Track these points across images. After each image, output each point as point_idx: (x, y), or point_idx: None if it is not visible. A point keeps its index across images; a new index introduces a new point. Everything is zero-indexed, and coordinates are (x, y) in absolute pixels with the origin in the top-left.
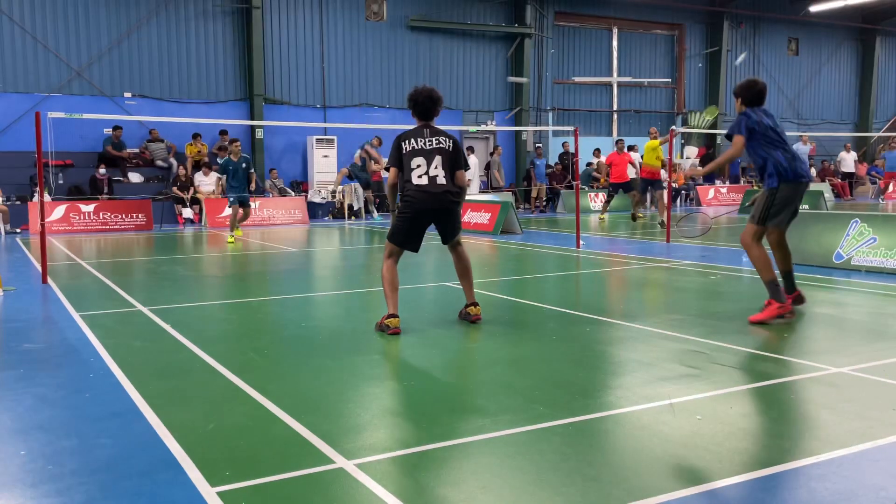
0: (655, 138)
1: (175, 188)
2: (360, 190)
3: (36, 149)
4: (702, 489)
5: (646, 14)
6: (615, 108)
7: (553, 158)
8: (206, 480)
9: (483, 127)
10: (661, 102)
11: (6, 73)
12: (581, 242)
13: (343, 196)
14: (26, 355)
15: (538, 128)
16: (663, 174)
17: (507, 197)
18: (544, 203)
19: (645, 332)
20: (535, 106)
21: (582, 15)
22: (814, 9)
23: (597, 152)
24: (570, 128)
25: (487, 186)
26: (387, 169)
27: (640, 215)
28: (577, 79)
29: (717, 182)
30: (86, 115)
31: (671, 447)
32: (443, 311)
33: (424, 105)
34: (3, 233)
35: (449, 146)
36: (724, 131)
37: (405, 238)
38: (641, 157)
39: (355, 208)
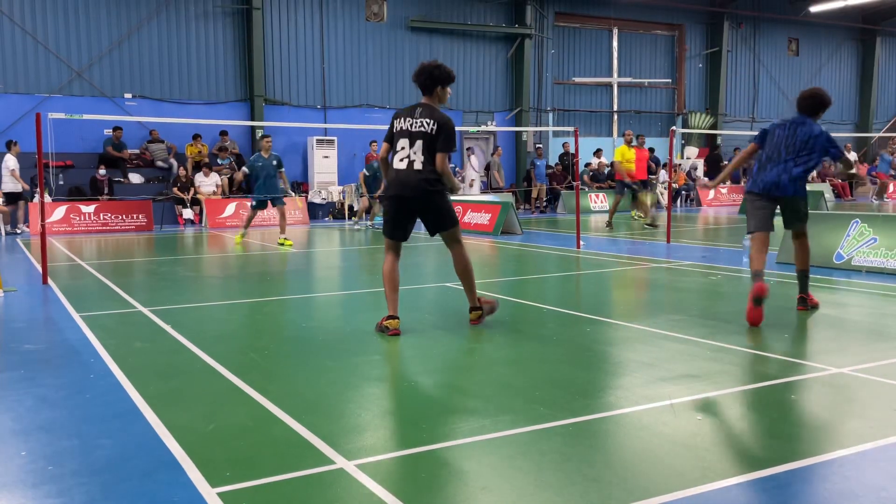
0: (630, 141)
1: (175, 189)
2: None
3: (36, 150)
4: (703, 490)
5: (646, 14)
6: (615, 108)
7: (553, 159)
8: (206, 481)
9: (483, 127)
10: (662, 103)
11: (7, 73)
12: (581, 243)
13: (343, 197)
14: (27, 356)
15: (538, 128)
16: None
17: (508, 197)
18: (544, 204)
19: (645, 333)
20: (535, 106)
21: (582, 15)
22: (814, 9)
23: (598, 153)
24: (571, 128)
25: (487, 187)
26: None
27: (639, 216)
28: (577, 79)
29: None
30: (86, 116)
31: (672, 447)
32: (443, 312)
33: (419, 78)
34: (3, 233)
35: (432, 129)
36: (724, 132)
37: (391, 226)
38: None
39: (355, 209)
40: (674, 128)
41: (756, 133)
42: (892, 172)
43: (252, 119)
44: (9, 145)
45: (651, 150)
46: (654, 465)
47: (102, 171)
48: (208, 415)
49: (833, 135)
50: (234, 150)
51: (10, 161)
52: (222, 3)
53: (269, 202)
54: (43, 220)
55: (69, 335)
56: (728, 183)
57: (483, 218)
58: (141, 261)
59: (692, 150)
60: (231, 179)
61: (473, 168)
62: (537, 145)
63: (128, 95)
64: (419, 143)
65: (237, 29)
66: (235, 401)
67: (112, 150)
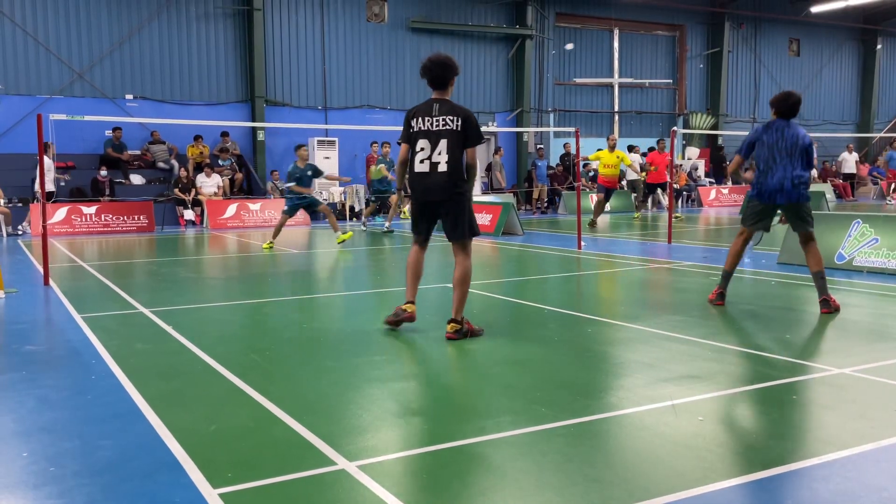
0: (613, 146)
1: (177, 190)
2: (362, 192)
3: (38, 151)
4: (704, 490)
5: (647, 15)
6: (616, 108)
7: (554, 160)
8: (207, 482)
9: (484, 128)
10: (663, 103)
11: (8, 75)
12: (582, 244)
13: (345, 198)
14: (28, 357)
15: (539, 129)
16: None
17: (509, 198)
18: (545, 204)
19: (646, 333)
20: (536, 107)
21: (583, 16)
22: (815, 9)
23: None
24: (572, 129)
25: (489, 188)
26: (399, 144)
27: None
28: (578, 80)
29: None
30: (87, 118)
31: (673, 448)
32: (444, 313)
33: (433, 72)
34: (5, 234)
35: (457, 125)
36: (725, 132)
37: (414, 223)
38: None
39: (357, 210)
40: (675, 128)
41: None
42: None
43: (253, 120)
44: (46, 147)
45: (651, 149)
46: (656, 465)
47: (104, 173)
48: (210, 416)
49: (833, 135)
50: (235, 150)
51: (46, 162)
52: (223, 5)
53: (300, 208)
54: (44, 221)
55: (70, 336)
56: (729, 183)
57: (484, 219)
58: (142, 262)
59: (693, 151)
60: (232, 180)
61: None
62: (538, 146)
63: (129, 96)
64: (444, 142)
65: (238, 30)
66: (237, 402)
67: (112, 151)
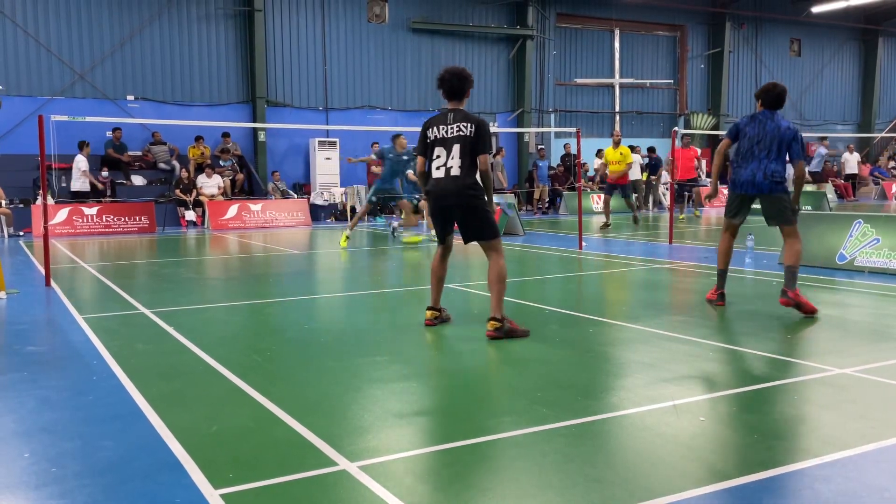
0: (618, 143)
1: (178, 191)
2: (363, 192)
3: (39, 152)
4: (705, 490)
5: (647, 15)
6: (617, 109)
7: (555, 160)
8: (209, 482)
9: None
10: (664, 103)
11: (9, 76)
12: (583, 244)
13: (346, 198)
14: (30, 358)
15: (540, 129)
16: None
17: (510, 198)
18: (546, 205)
19: (647, 334)
20: (537, 107)
21: (583, 16)
22: (816, 9)
23: (600, 153)
24: (573, 129)
25: None
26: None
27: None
28: (578, 80)
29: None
30: (89, 119)
31: (674, 448)
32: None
33: (450, 84)
34: (6, 235)
35: (470, 132)
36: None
37: (437, 231)
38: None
39: (358, 211)
40: (676, 128)
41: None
42: None
43: (254, 121)
44: (81, 146)
45: (652, 149)
46: (657, 465)
47: (105, 173)
48: (211, 416)
49: (835, 135)
50: (236, 151)
51: (82, 162)
52: (224, 6)
53: (387, 201)
54: (46, 222)
55: (72, 337)
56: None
57: None
58: (143, 263)
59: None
60: (233, 181)
61: None
62: (539, 146)
63: (130, 97)
64: (456, 147)
65: (239, 31)
66: (238, 402)
67: (113, 151)
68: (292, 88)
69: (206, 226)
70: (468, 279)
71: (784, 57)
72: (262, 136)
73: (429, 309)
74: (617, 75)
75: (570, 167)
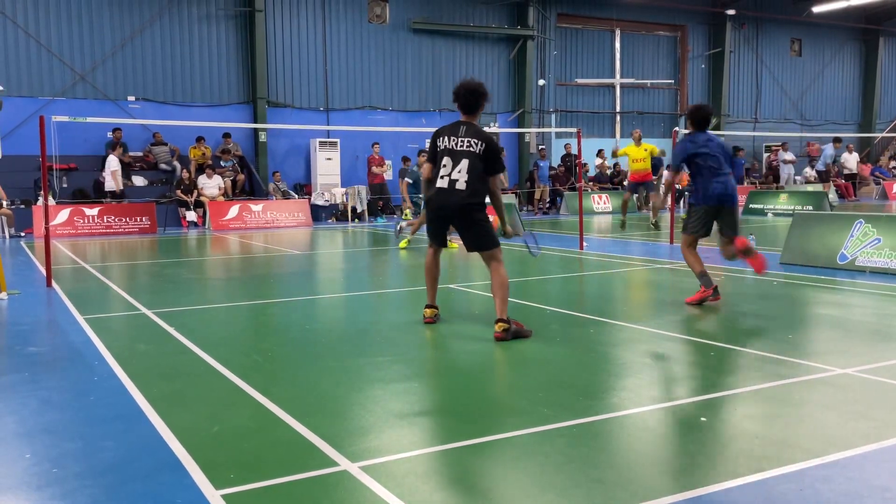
0: (639, 140)
1: (179, 191)
2: (364, 192)
3: (40, 152)
4: (707, 490)
5: (648, 15)
6: (618, 109)
7: (556, 160)
8: (210, 483)
9: (486, 129)
10: (664, 104)
11: (10, 76)
12: (584, 244)
13: (347, 199)
14: (31, 358)
15: (541, 129)
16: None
17: (510, 199)
18: (547, 205)
19: (648, 334)
20: (537, 108)
21: (584, 17)
22: (817, 9)
23: (600, 153)
24: (573, 129)
25: None
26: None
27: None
28: (579, 80)
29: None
30: (90, 119)
31: (676, 449)
32: (446, 314)
33: (465, 98)
34: (8, 236)
35: (479, 149)
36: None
37: (431, 235)
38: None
39: (358, 211)
40: (677, 129)
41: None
42: None
43: (255, 121)
44: (112, 146)
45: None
46: (659, 466)
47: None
48: (212, 417)
49: (836, 135)
50: (237, 152)
51: (113, 162)
52: (225, 6)
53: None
54: (47, 222)
55: (73, 337)
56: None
57: None
58: (145, 263)
59: None
60: (234, 182)
61: None
62: (540, 146)
63: (131, 98)
64: (464, 162)
65: (240, 31)
66: (239, 403)
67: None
68: (293, 89)
69: (206, 226)
70: (469, 279)
71: (785, 57)
72: (262, 137)
73: (427, 307)
74: (618, 75)
75: (571, 167)
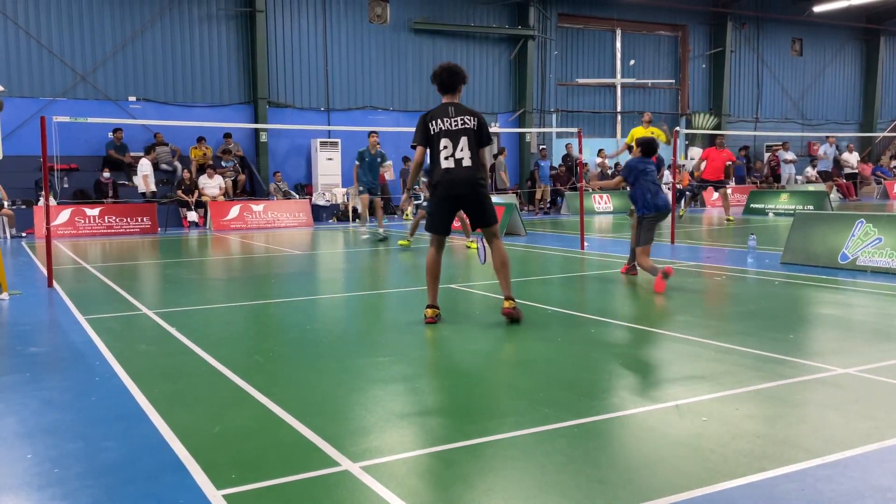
0: (650, 122)
1: (180, 191)
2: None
3: (41, 153)
4: (708, 490)
5: (649, 15)
6: (619, 109)
7: (557, 160)
8: (211, 483)
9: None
10: (665, 103)
11: (11, 77)
12: (585, 244)
13: (348, 199)
14: (32, 359)
15: (542, 129)
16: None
17: (511, 198)
18: (548, 205)
19: (650, 334)
20: (538, 108)
21: (585, 16)
22: (817, 9)
23: (601, 153)
24: (574, 129)
25: (493, 188)
26: (413, 147)
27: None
28: (580, 80)
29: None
30: (91, 119)
31: (677, 449)
32: (448, 314)
33: (442, 77)
34: (9, 236)
35: (474, 125)
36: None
37: (438, 222)
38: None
39: (359, 211)
40: (677, 128)
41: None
42: None
43: (256, 121)
44: (147, 150)
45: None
46: (660, 466)
47: (107, 174)
48: (213, 417)
49: (837, 135)
50: (238, 152)
51: (145, 166)
52: (226, 7)
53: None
54: (48, 223)
55: (74, 338)
56: (733, 182)
57: None
58: (146, 263)
59: (696, 151)
60: (235, 182)
61: None
62: (541, 146)
63: (132, 98)
64: (464, 139)
65: (241, 32)
66: (240, 403)
67: (114, 152)
68: (294, 89)
69: (207, 226)
70: (470, 279)
71: (786, 56)
72: (263, 137)
73: (429, 307)
74: (618, 75)
75: (572, 167)
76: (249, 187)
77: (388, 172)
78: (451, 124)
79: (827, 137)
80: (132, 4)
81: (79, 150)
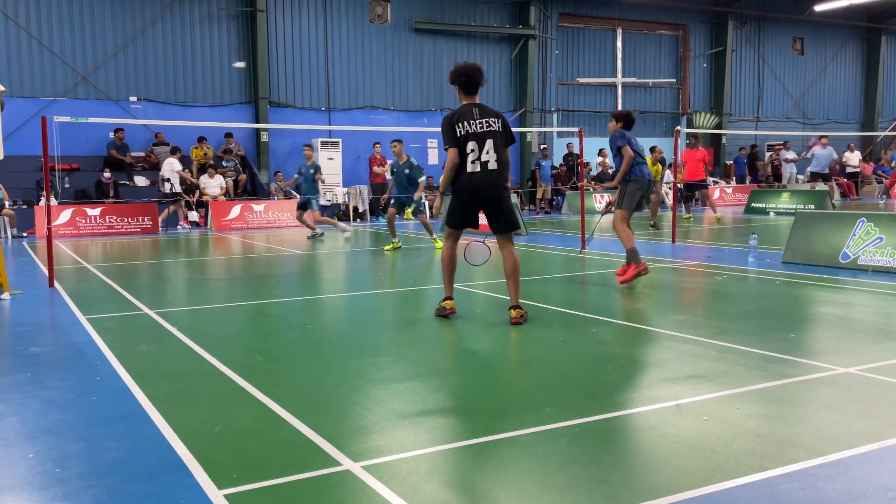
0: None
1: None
2: (365, 192)
3: (42, 153)
4: (709, 490)
5: (650, 15)
6: (620, 108)
7: (558, 159)
8: (213, 483)
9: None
10: (666, 103)
11: (12, 77)
12: (586, 244)
13: (349, 199)
14: (34, 359)
15: (543, 129)
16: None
17: (513, 198)
18: (549, 204)
19: (651, 333)
20: (539, 107)
21: (586, 16)
22: (818, 8)
23: (602, 153)
24: (575, 129)
25: None
26: (446, 149)
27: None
28: (581, 80)
29: (723, 183)
30: (92, 119)
31: (678, 448)
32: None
33: (473, 78)
34: (10, 236)
35: (499, 126)
36: (729, 132)
37: (459, 218)
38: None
39: (360, 210)
40: (678, 128)
41: (618, 140)
42: None
43: (256, 121)
44: (173, 150)
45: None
46: (661, 465)
47: (108, 174)
48: (215, 417)
49: (838, 134)
50: (238, 152)
51: (175, 164)
52: (226, 6)
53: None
54: (49, 223)
55: (75, 338)
56: (733, 182)
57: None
58: (146, 263)
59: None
60: (236, 182)
61: None
62: (542, 146)
63: (133, 98)
64: (490, 142)
65: (241, 32)
66: (241, 403)
67: (115, 152)
68: (295, 89)
69: (208, 226)
70: (470, 279)
71: (787, 56)
72: (264, 137)
73: (448, 299)
74: (619, 75)
75: (573, 167)
76: (250, 187)
77: (389, 172)
78: (476, 126)
79: (820, 138)
80: (133, 4)
81: (80, 150)
